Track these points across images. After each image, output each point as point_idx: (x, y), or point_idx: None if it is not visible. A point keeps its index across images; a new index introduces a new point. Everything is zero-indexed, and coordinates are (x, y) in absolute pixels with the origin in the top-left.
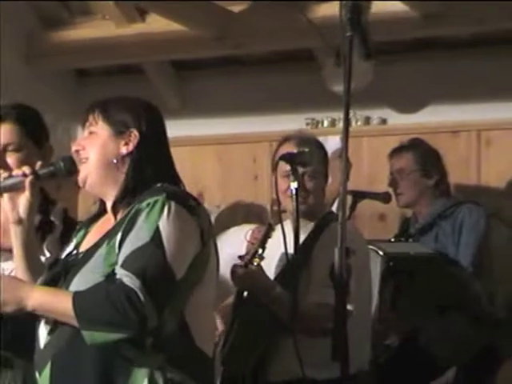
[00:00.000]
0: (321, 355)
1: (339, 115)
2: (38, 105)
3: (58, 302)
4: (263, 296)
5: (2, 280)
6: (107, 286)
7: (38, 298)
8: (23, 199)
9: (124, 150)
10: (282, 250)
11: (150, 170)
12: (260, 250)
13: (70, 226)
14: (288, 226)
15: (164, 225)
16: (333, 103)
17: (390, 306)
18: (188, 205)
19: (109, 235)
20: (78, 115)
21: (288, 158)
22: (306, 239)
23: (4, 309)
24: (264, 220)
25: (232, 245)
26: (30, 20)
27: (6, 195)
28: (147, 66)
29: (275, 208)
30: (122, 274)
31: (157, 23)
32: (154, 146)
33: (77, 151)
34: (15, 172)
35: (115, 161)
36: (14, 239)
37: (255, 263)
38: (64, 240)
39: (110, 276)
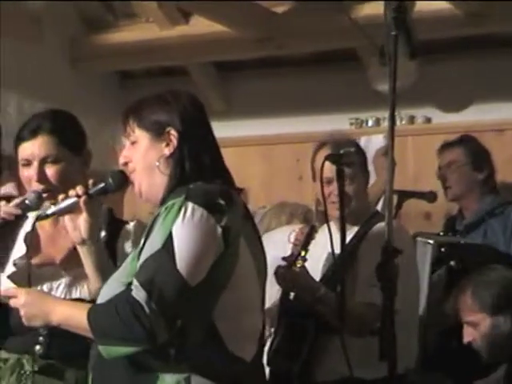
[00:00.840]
0: (368, 355)
1: (383, 114)
2: (82, 108)
3: (78, 316)
4: (308, 296)
5: (29, 295)
6: (117, 299)
7: (62, 313)
8: (82, 220)
9: (167, 152)
10: (328, 250)
11: (192, 168)
12: (303, 252)
13: (117, 226)
14: (332, 227)
15: (177, 229)
16: (377, 102)
17: (441, 296)
18: (210, 204)
19: (138, 242)
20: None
21: (334, 158)
22: (351, 239)
23: (31, 323)
24: (309, 220)
25: (276, 246)
26: (74, 23)
27: (66, 217)
28: (191, 68)
29: (320, 208)
30: (133, 284)
31: (200, 25)
32: (195, 143)
33: (125, 164)
34: (70, 193)
35: (157, 163)
36: (83, 259)
37: (298, 265)
38: (111, 240)
39: (129, 285)
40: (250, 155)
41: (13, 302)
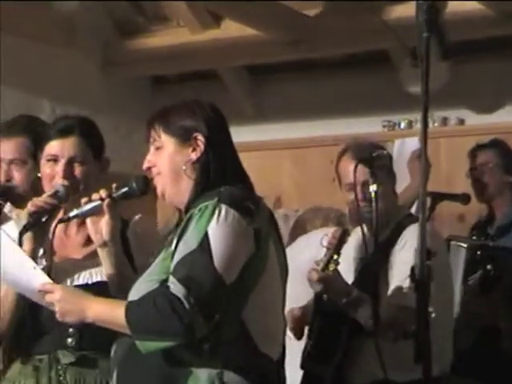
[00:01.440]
0: (402, 357)
1: (416, 116)
2: (115, 113)
3: (113, 313)
4: (341, 299)
5: (65, 291)
6: (155, 295)
7: (97, 309)
8: (104, 223)
9: (193, 156)
10: (360, 252)
11: (217, 173)
12: (335, 256)
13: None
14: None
15: (213, 229)
16: (409, 104)
17: (476, 300)
18: (241, 207)
19: (169, 243)
20: None
21: (367, 160)
22: (383, 242)
23: (65, 319)
24: (343, 224)
25: (311, 248)
26: (107, 29)
27: (88, 220)
28: (222, 72)
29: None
30: (170, 281)
31: (231, 29)
32: (220, 149)
33: (148, 168)
34: (93, 196)
35: (184, 168)
36: (103, 260)
37: (331, 268)
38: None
39: (163, 283)
40: (283, 158)
41: (48, 298)
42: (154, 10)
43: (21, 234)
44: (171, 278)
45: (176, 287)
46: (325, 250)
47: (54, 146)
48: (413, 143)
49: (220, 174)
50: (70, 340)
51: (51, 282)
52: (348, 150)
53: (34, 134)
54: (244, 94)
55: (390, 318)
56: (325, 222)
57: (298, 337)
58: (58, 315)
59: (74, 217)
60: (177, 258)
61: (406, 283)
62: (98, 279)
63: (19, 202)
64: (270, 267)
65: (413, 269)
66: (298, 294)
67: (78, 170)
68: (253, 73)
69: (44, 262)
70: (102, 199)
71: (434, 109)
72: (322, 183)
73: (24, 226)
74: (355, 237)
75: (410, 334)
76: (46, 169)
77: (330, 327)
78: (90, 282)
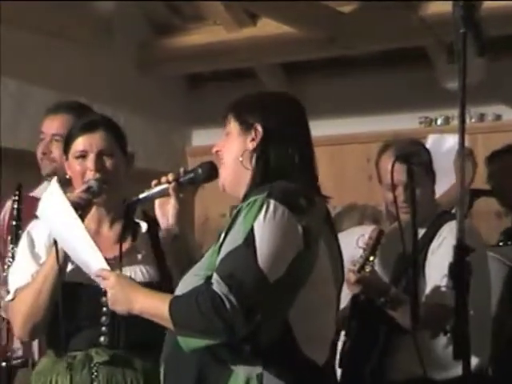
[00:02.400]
0: (441, 355)
1: (453, 113)
2: (151, 111)
3: (160, 307)
4: (378, 299)
5: (119, 279)
6: (198, 292)
7: (144, 301)
8: (170, 206)
9: (250, 146)
10: (398, 250)
11: (276, 166)
12: (371, 257)
13: (153, 224)
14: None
15: (259, 225)
16: (446, 101)
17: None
18: (291, 203)
19: (218, 238)
20: (190, 120)
21: (404, 157)
22: (420, 239)
23: (115, 307)
24: (379, 221)
25: (348, 247)
26: (142, 28)
27: (156, 202)
28: (258, 70)
29: (390, 209)
30: (214, 278)
31: (267, 26)
32: (279, 141)
33: (216, 152)
34: (162, 179)
35: (240, 158)
36: (169, 245)
37: (367, 270)
38: (152, 237)
39: (208, 279)
40: (319, 156)
41: (103, 283)
42: (190, 8)
43: None
44: (215, 275)
45: (218, 285)
46: (360, 244)
47: (81, 142)
48: (452, 140)
49: (279, 167)
50: (103, 338)
51: (108, 268)
52: (388, 148)
53: (80, 113)
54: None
55: (427, 316)
56: (361, 220)
57: None
58: (109, 302)
59: (143, 199)
60: (222, 253)
61: (444, 281)
62: (136, 280)
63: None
64: (319, 267)
65: (451, 265)
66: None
67: (108, 163)
68: (289, 70)
69: (72, 266)
70: (169, 182)
71: (470, 105)
72: (358, 180)
73: None
74: (392, 235)
75: (449, 330)
76: (75, 166)
77: (368, 326)
78: None
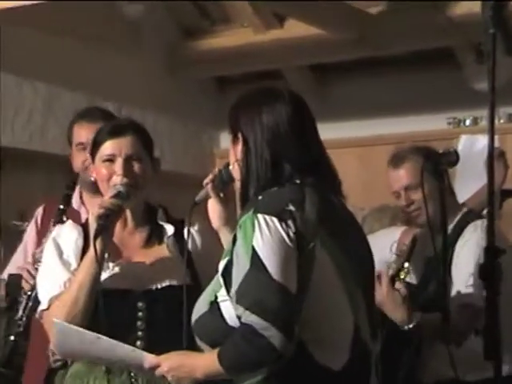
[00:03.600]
0: (472, 356)
1: (481, 113)
2: (181, 114)
3: (214, 365)
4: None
5: (170, 360)
6: (235, 335)
7: (202, 367)
8: (210, 206)
9: (238, 156)
10: (426, 252)
11: (261, 174)
12: (406, 264)
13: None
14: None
15: (258, 244)
16: (474, 101)
17: None
18: (278, 211)
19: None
20: (218, 122)
21: (434, 158)
22: (444, 241)
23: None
24: (410, 222)
25: (378, 249)
26: (172, 30)
27: (209, 203)
28: (286, 72)
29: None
30: (239, 312)
31: (295, 28)
32: (263, 146)
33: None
34: (204, 182)
35: (231, 167)
36: (223, 242)
37: (402, 276)
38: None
39: (213, 305)
40: (348, 157)
41: (158, 372)
42: (218, 11)
43: (95, 238)
44: (240, 309)
45: (247, 317)
46: (394, 250)
47: (109, 146)
48: (484, 140)
49: (265, 174)
50: (139, 343)
51: (152, 356)
52: (390, 160)
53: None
54: (308, 93)
55: (456, 317)
56: (393, 221)
57: None
58: (172, 383)
59: (198, 201)
60: (235, 283)
61: (470, 281)
62: (167, 284)
63: (92, 189)
64: (318, 271)
65: (481, 266)
66: None
67: (136, 167)
68: (316, 72)
69: (110, 266)
70: (207, 184)
71: (499, 105)
72: (387, 181)
73: (96, 230)
74: (421, 238)
75: (480, 331)
76: (101, 169)
77: (399, 330)
78: (159, 287)
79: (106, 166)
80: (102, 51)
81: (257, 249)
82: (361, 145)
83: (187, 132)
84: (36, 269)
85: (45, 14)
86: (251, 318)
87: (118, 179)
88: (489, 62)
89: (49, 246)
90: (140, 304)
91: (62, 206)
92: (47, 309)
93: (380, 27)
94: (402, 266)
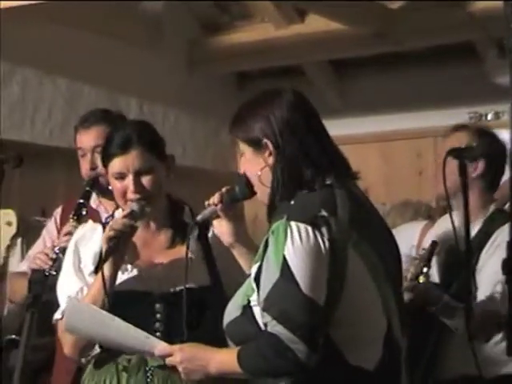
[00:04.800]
0: (493, 352)
1: (503, 108)
2: (201, 110)
3: (230, 363)
4: (431, 307)
5: (184, 352)
6: (259, 340)
7: (217, 362)
8: (224, 226)
9: (267, 163)
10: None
11: (292, 177)
12: (425, 269)
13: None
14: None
15: (290, 253)
16: (496, 96)
17: None
18: (312, 218)
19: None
20: None
21: (456, 153)
22: (472, 239)
23: (190, 378)
24: (432, 217)
25: (401, 244)
26: (192, 26)
27: (214, 222)
28: (307, 67)
29: (441, 203)
30: (266, 319)
31: (316, 23)
32: (294, 149)
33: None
34: (209, 201)
35: (259, 174)
36: (238, 258)
37: (420, 281)
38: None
39: (246, 310)
40: (369, 152)
41: (169, 361)
42: (238, 6)
43: (104, 260)
44: (265, 316)
45: (274, 326)
46: (415, 246)
47: (117, 164)
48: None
49: (296, 178)
50: None
51: (167, 345)
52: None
53: (110, 121)
54: (328, 89)
55: (480, 323)
56: (414, 216)
57: None
58: (183, 375)
59: (200, 221)
60: (264, 290)
61: (498, 288)
62: (187, 285)
63: (106, 191)
64: (352, 274)
65: (505, 261)
66: None
67: (145, 181)
68: (337, 67)
69: (129, 267)
70: (215, 205)
71: None
72: (408, 176)
73: (106, 252)
74: (444, 225)
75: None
76: (115, 184)
77: (420, 326)
78: (177, 290)
79: (118, 182)
80: (123, 48)
81: (288, 258)
82: (382, 140)
83: (208, 128)
84: (55, 253)
85: (66, 9)
86: (277, 328)
87: (130, 196)
88: (510, 56)
89: (69, 252)
90: (158, 306)
91: (81, 200)
92: (61, 319)
93: (400, 22)
94: (421, 271)
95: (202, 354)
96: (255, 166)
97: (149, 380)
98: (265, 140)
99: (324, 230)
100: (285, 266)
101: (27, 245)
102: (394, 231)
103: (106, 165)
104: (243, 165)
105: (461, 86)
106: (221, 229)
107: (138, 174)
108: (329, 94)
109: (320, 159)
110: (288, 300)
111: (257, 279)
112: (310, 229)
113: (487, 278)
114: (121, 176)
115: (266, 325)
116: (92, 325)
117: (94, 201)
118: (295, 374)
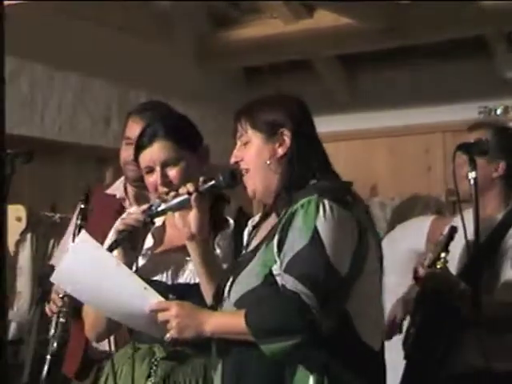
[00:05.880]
0: (506, 347)
1: None
2: (210, 104)
3: (232, 321)
4: (447, 293)
5: (182, 307)
6: (274, 296)
7: (215, 321)
8: (192, 216)
9: (280, 151)
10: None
11: (304, 168)
12: (443, 254)
13: (244, 223)
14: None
15: (321, 224)
16: (506, 90)
17: None
18: (342, 199)
19: (267, 237)
20: None
21: (465, 147)
22: (491, 234)
23: (183, 335)
24: (441, 212)
25: (409, 238)
26: (201, 21)
27: (176, 213)
28: (316, 62)
29: (450, 198)
30: (286, 279)
31: (324, 18)
32: (306, 142)
33: (236, 163)
34: (180, 190)
35: (268, 162)
36: (192, 254)
37: (438, 266)
38: (237, 237)
39: (268, 278)
40: (378, 147)
41: (162, 315)
42: (247, 1)
43: (110, 251)
44: (286, 277)
45: (294, 284)
46: (424, 240)
47: (144, 158)
48: None
49: (307, 168)
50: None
51: (163, 299)
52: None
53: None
54: (337, 84)
55: (501, 314)
56: (424, 211)
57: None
58: (174, 331)
59: (162, 212)
60: (288, 255)
61: None
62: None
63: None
64: (370, 257)
65: None
66: (393, 283)
67: (171, 173)
68: (346, 62)
69: (148, 255)
70: (189, 193)
71: None
72: (417, 171)
73: (110, 245)
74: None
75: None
76: (147, 179)
77: (435, 318)
78: (191, 283)
79: (149, 177)
80: (133, 42)
81: (319, 229)
82: (391, 135)
83: (217, 122)
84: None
85: (74, 4)
86: (300, 287)
87: (160, 189)
88: None
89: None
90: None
91: (79, 221)
92: None
93: (410, 17)
94: (439, 256)
95: (199, 312)
96: (264, 154)
97: (152, 371)
98: (281, 129)
99: (352, 211)
100: (315, 236)
101: (37, 240)
102: (402, 225)
103: (137, 161)
104: (246, 153)
105: (470, 81)
106: (184, 219)
107: (164, 166)
108: (338, 89)
109: (324, 153)
110: (315, 265)
111: (278, 250)
112: (341, 208)
113: (507, 269)
114: (150, 170)
115: (283, 286)
116: (92, 268)
117: (120, 192)
118: (304, 336)
